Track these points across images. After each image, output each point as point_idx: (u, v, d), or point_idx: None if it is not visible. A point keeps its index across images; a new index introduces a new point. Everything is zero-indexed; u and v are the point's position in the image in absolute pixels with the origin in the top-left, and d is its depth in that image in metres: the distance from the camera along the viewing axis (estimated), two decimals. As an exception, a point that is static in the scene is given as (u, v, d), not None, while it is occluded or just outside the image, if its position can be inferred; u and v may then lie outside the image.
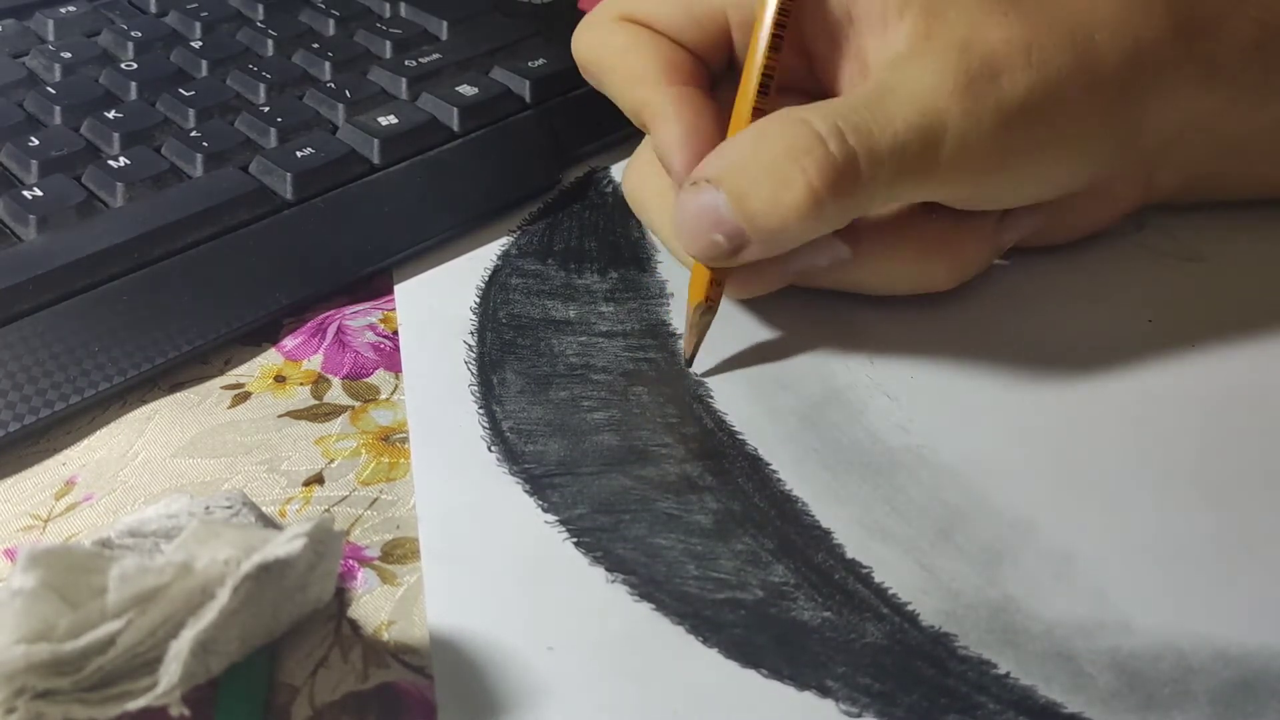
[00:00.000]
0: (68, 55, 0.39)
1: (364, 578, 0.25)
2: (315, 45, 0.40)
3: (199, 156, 0.34)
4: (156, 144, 0.35)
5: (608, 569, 0.25)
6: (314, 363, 0.31)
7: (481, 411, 0.29)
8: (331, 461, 0.28)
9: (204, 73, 0.39)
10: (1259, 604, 0.24)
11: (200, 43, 0.40)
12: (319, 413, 0.29)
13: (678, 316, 0.32)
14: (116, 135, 0.35)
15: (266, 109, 0.37)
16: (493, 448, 0.28)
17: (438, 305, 0.33)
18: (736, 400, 0.29)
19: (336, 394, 0.30)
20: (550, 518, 0.26)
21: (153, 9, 0.43)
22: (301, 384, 0.30)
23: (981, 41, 0.27)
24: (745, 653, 0.23)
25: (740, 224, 0.27)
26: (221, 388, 0.30)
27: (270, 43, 0.40)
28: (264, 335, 0.32)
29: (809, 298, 0.32)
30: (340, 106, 0.37)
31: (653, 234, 0.35)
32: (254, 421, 0.29)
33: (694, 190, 0.27)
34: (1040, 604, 0.24)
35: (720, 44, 0.30)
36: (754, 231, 0.27)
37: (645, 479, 0.27)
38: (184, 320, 0.31)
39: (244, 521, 0.23)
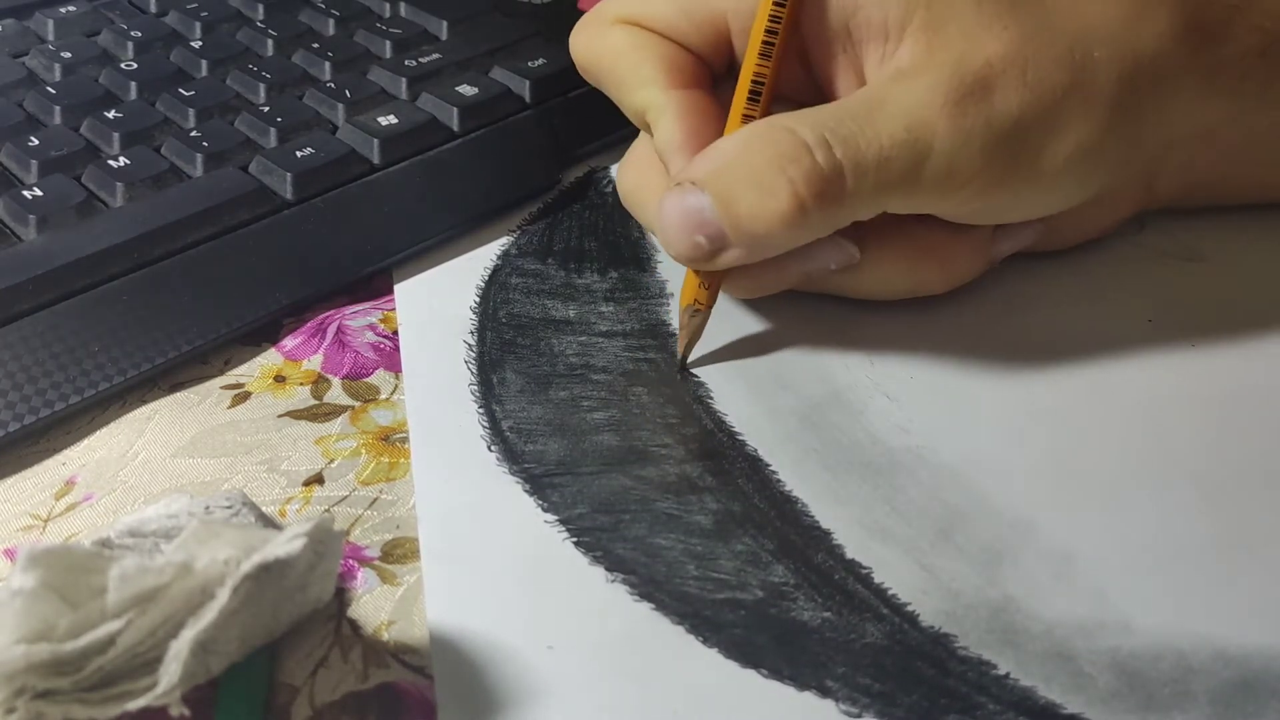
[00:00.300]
0: (68, 55, 0.39)
1: (364, 578, 0.25)
2: (315, 45, 0.40)
3: (199, 156, 0.34)
4: (156, 144, 0.35)
5: (608, 569, 0.25)
6: (314, 363, 0.31)
7: (481, 411, 0.29)
8: (331, 461, 0.28)
9: (204, 73, 0.39)
10: (1259, 604, 0.24)
11: (200, 43, 0.40)
12: (319, 413, 0.29)
13: (677, 316, 0.32)
14: (116, 135, 0.35)
15: (266, 109, 0.37)
16: (493, 447, 0.28)
17: (438, 305, 0.33)
18: (736, 400, 0.29)
19: (336, 394, 0.30)
20: (550, 517, 0.26)
21: (153, 9, 0.43)
22: (301, 384, 0.30)
23: (977, 57, 0.26)
24: (745, 653, 0.23)
25: (723, 228, 0.27)
26: (221, 388, 0.30)
27: (270, 43, 0.40)
28: (264, 335, 0.32)
29: (809, 298, 0.32)
30: (340, 106, 0.37)
31: (650, 233, 0.35)
32: (254, 421, 0.29)
33: (679, 191, 0.27)
34: (1040, 604, 0.24)
35: (720, 47, 0.30)
36: (737, 236, 0.27)
37: (645, 479, 0.27)
38: (184, 320, 0.31)
39: (244, 521, 0.23)
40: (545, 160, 0.38)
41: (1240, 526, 0.26)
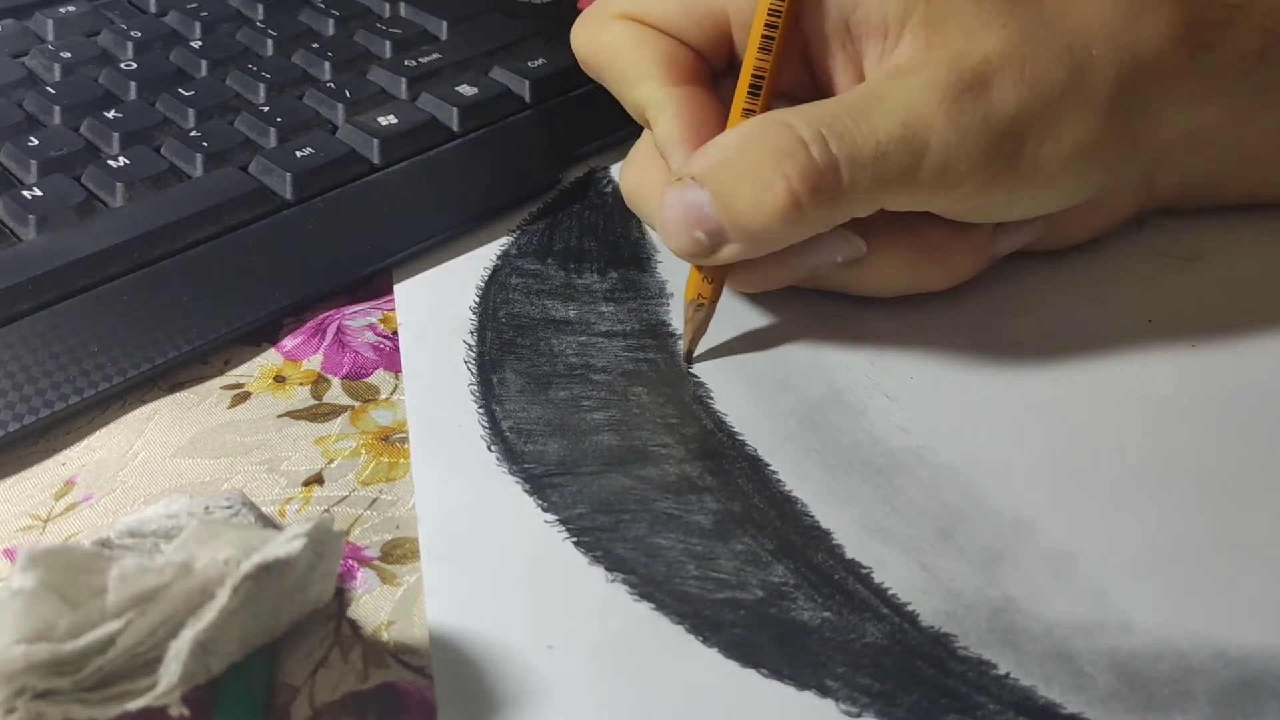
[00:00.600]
0: (67, 55, 0.39)
1: (364, 578, 0.25)
2: (315, 45, 0.40)
3: (199, 156, 0.34)
4: (156, 144, 0.35)
5: (607, 569, 0.25)
6: (314, 363, 0.31)
7: (481, 411, 0.29)
8: (331, 461, 0.28)
9: (204, 73, 0.39)
10: (1259, 604, 0.24)
11: (200, 43, 0.40)
12: (319, 413, 0.29)
13: (678, 316, 0.32)
14: (116, 135, 0.35)
15: (266, 109, 0.37)
16: (492, 447, 0.28)
17: (437, 305, 0.33)
18: (736, 400, 0.29)
19: (336, 394, 0.30)
20: (550, 517, 0.26)
21: (153, 9, 0.43)
22: (301, 384, 0.30)
23: (975, 54, 0.26)
24: (745, 653, 0.23)
25: (721, 223, 0.27)
26: (221, 388, 0.30)
27: (270, 43, 0.40)
28: (264, 335, 0.32)
29: (809, 297, 0.32)
30: (340, 106, 0.37)
31: (652, 231, 0.35)
32: (254, 421, 0.29)
33: (679, 187, 0.27)
34: (1040, 604, 0.24)
35: (720, 43, 0.30)
36: (734, 231, 0.27)
37: (645, 479, 0.27)
38: (184, 320, 0.31)
39: (244, 521, 0.23)
40: (545, 160, 0.38)
41: (1240, 526, 0.26)
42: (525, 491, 0.27)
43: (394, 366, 0.31)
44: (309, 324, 0.32)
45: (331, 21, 0.42)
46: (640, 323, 0.32)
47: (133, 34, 0.40)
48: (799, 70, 0.29)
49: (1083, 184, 0.29)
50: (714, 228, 0.27)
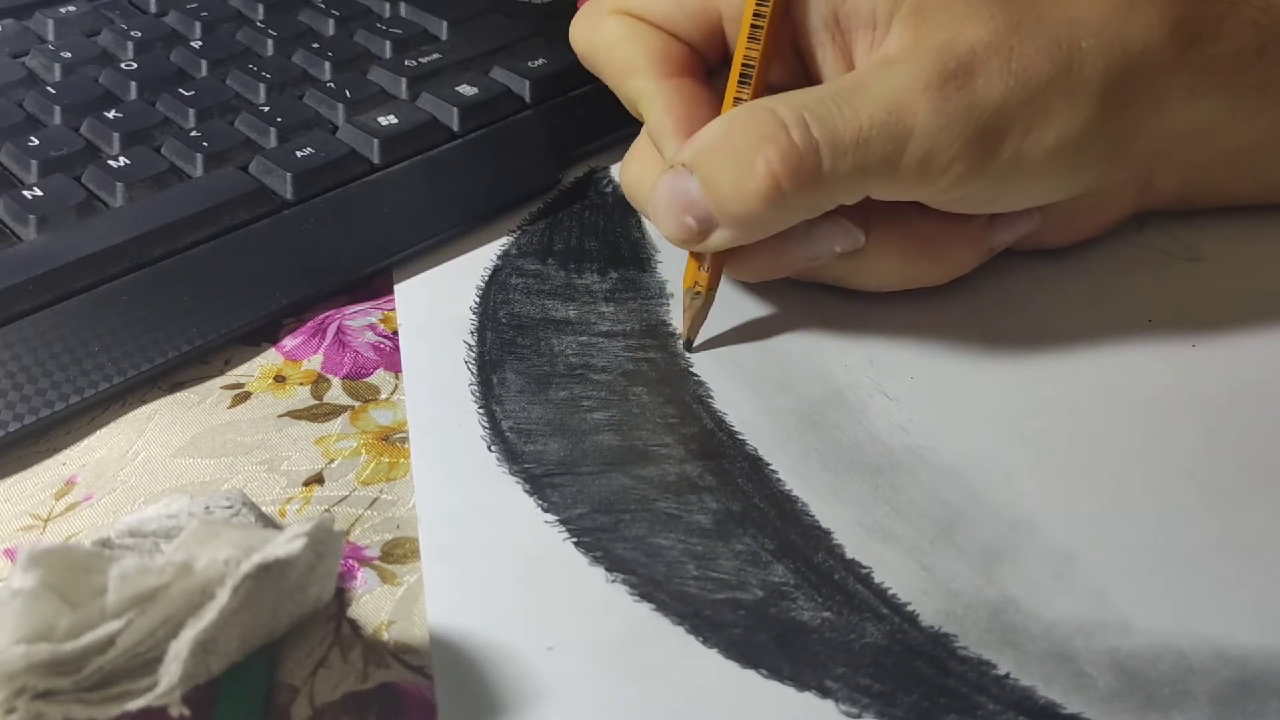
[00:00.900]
0: (68, 55, 0.39)
1: (364, 578, 0.25)
2: (315, 45, 0.40)
3: (199, 156, 0.34)
4: (156, 144, 0.35)
5: (607, 569, 0.25)
6: (314, 363, 0.31)
7: (481, 411, 0.29)
8: (331, 461, 0.28)
9: (204, 73, 0.39)
10: (1259, 604, 0.24)
11: (200, 43, 0.40)
12: (319, 413, 0.29)
13: (678, 316, 0.32)
14: (116, 135, 0.35)
15: (266, 109, 0.37)
16: (493, 447, 0.28)
17: (438, 305, 0.33)
18: (736, 400, 0.29)
19: (336, 394, 0.30)
20: (550, 517, 0.26)
21: (153, 9, 0.43)
22: (301, 384, 0.30)
23: (961, 43, 0.26)
24: (745, 653, 0.23)
25: (709, 208, 0.27)
26: (221, 388, 0.30)
27: (270, 43, 0.40)
28: (264, 335, 0.32)
29: (809, 296, 0.32)
30: (340, 106, 0.37)
31: (652, 230, 0.35)
32: (254, 421, 0.29)
33: (671, 174, 0.28)
34: (1040, 604, 0.24)
35: (713, 36, 0.30)
36: (720, 216, 0.27)
37: (645, 479, 0.27)
38: (184, 320, 0.31)
39: (244, 521, 0.23)
40: (545, 160, 0.38)
41: (1240, 526, 0.26)
42: (525, 491, 0.27)
43: (394, 366, 0.31)
44: (309, 324, 0.32)
45: (331, 21, 0.42)
46: (640, 323, 0.32)
47: (133, 34, 0.40)
48: (792, 63, 0.30)
49: (1071, 178, 0.28)
50: (702, 213, 0.27)
